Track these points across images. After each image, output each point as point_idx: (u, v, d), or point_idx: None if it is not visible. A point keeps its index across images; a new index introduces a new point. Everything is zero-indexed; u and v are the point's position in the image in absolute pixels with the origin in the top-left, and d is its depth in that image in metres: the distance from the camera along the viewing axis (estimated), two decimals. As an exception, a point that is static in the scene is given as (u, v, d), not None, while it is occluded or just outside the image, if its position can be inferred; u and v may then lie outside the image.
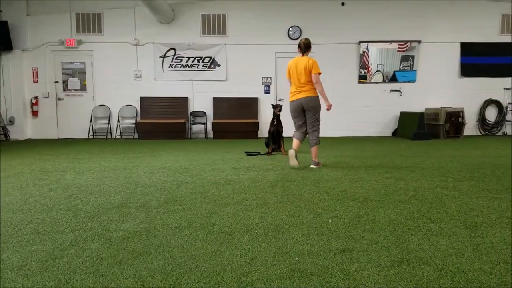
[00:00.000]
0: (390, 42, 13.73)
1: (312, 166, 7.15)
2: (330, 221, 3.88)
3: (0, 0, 12.77)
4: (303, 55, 7.06)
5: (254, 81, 13.77)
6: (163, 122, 13.21)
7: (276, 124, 8.85)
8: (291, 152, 6.96)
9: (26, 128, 13.51)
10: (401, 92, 13.91)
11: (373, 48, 13.76)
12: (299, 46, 7.10)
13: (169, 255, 3.04)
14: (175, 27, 13.56)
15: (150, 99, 13.65)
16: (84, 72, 13.61)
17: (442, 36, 13.77)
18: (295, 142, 7.11)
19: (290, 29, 13.56)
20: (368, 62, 13.79)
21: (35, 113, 13.48)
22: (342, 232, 3.55)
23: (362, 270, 2.76)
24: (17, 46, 13.16)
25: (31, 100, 13.42)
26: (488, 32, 13.85)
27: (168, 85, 13.64)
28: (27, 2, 13.20)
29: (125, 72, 13.58)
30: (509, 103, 13.97)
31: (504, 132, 14.12)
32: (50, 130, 13.59)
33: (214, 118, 13.62)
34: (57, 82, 13.49)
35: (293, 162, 6.98)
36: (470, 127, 13.92)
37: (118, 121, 13.52)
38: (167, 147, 10.76)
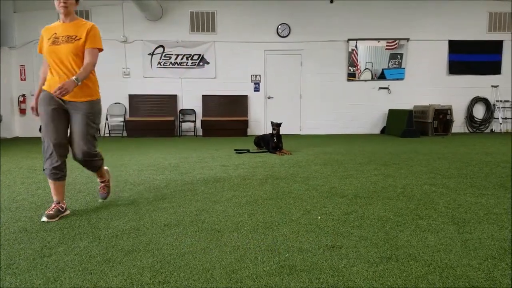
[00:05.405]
0: (379, 40, 13.78)
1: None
2: (319, 218, 3.89)
3: (-14, -3, 12.65)
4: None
5: (244, 78, 13.75)
6: (152, 120, 13.15)
7: (277, 141, 8.88)
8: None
9: (13, 126, 13.39)
10: (389, 89, 13.97)
11: (362, 46, 13.79)
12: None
13: (158, 253, 3.03)
14: (163, 24, 13.50)
15: (139, 97, 13.59)
16: (72, 70, 13.47)
17: (430, 34, 13.86)
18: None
19: (279, 26, 13.55)
20: (357, 60, 13.82)
21: (22, 111, 13.36)
22: (331, 228, 3.56)
23: (351, 266, 2.77)
24: (4, 43, 13.03)
25: (18, 97, 13.30)
26: (476, 30, 13.95)
27: (157, 82, 13.58)
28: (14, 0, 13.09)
29: (114, 70, 13.48)
30: (496, 101, 14.08)
31: (492, 129, 14.23)
32: (38, 128, 13.42)
33: (203, 115, 13.59)
34: (44, 79, 13.35)
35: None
36: (458, 125, 14.02)
37: (107, 119, 13.43)
38: (156, 145, 10.72)
